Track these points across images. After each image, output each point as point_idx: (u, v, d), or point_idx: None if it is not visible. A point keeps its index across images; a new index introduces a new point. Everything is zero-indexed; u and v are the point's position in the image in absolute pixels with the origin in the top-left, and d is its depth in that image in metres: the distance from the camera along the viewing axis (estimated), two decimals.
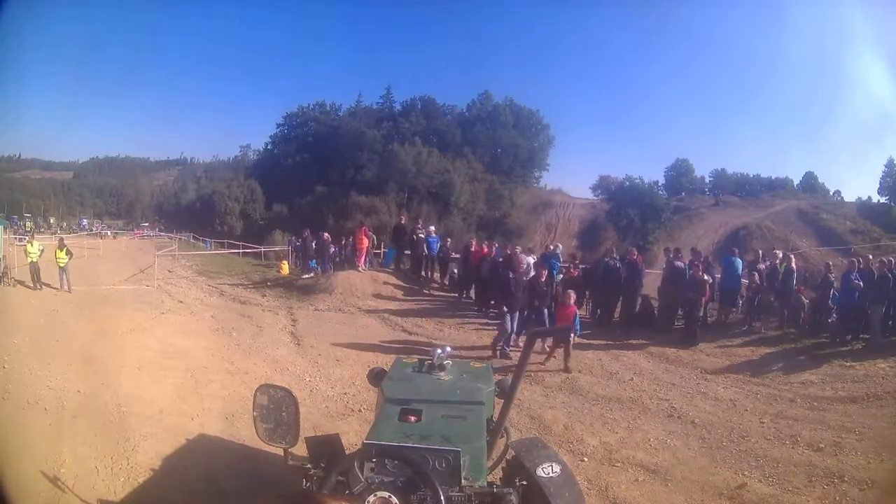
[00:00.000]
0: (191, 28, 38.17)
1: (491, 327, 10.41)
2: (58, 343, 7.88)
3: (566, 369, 7.87)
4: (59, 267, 11.97)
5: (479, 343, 9.39)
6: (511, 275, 8.56)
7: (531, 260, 10.02)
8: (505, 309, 8.43)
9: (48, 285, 11.92)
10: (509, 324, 8.40)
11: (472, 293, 12.29)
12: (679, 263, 10.28)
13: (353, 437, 4.47)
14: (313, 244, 15.60)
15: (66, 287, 11.93)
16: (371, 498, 1.69)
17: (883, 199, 27.73)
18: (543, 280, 8.83)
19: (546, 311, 8.75)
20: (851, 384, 7.42)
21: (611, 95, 39.43)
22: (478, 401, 2.71)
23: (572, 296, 8.30)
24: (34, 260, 11.77)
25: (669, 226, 29.41)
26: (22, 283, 11.83)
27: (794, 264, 10.16)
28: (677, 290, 10.11)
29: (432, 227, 14.42)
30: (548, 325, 8.55)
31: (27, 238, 14.95)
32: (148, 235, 28.89)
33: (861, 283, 8.99)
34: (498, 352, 8.33)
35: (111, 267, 15.13)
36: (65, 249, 12.09)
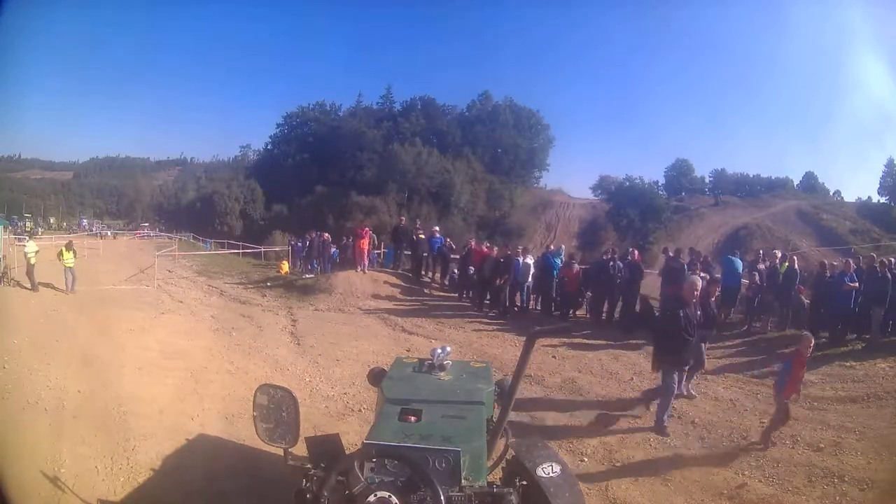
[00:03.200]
0: (191, 28, 38.30)
1: (491, 327, 10.45)
2: (58, 343, 7.87)
3: (764, 441, 5.55)
4: (67, 267, 11.94)
5: (477, 342, 9.37)
6: (682, 312, 5.67)
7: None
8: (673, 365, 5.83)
9: (51, 286, 11.90)
10: (675, 382, 5.91)
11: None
12: (676, 264, 10.28)
13: (353, 437, 4.47)
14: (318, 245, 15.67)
15: (70, 287, 11.90)
16: (371, 498, 1.69)
17: (883, 199, 27.79)
18: (714, 301, 6.86)
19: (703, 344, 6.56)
20: (851, 384, 7.41)
21: (611, 95, 39.63)
22: (478, 401, 2.71)
23: (811, 342, 5.64)
24: (32, 262, 11.74)
25: (669, 226, 29.42)
26: (20, 284, 11.79)
27: (797, 266, 10.15)
28: (676, 291, 10.10)
29: (436, 228, 14.48)
30: (704, 363, 6.72)
31: (25, 238, 14.91)
32: (148, 235, 28.92)
33: (857, 285, 9.00)
34: (659, 424, 5.88)
35: (111, 267, 15.14)
36: (72, 251, 12.12)
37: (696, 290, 5.91)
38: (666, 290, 10.41)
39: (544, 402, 6.72)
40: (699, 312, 6.00)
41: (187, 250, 21.77)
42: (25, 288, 11.57)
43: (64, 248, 12.12)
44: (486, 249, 12.26)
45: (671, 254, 11.23)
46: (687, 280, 6.29)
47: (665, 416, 5.87)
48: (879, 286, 8.84)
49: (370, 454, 1.87)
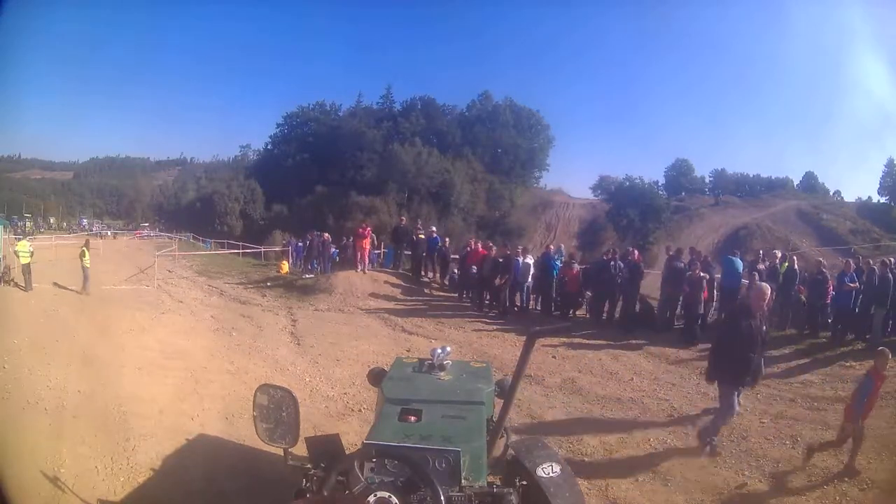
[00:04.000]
0: (191, 28, 38.24)
1: (491, 327, 10.44)
2: (58, 343, 7.86)
3: (850, 468, 4.98)
4: (85, 268, 11.99)
5: (477, 342, 9.37)
6: (748, 324, 5.14)
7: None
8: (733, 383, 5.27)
9: (57, 285, 11.88)
10: (736, 400, 5.35)
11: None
12: (679, 264, 10.29)
13: (353, 437, 4.47)
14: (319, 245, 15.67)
15: (84, 288, 11.88)
16: (371, 498, 1.69)
17: (883, 199, 27.89)
18: (768, 309, 6.30)
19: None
20: (851, 384, 7.34)
21: (611, 95, 39.67)
22: (478, 401, 2.71)
23: (888, 357, 5.34)
24: (23, 261, 11.70)
25: (669, 226, 29.45)
26: (19, 284, 11.76)
27: (796, 266, 10.16)
28: (676, 291, 10.13)
29: (433, 228, 14.48)
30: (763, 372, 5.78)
31: (21, 238, 14.83)
32: (148, 235, 28.91)
33: (858, 285, 9.00)
34: (707, 446, 5.39)
35: (111, 267, 15.11)
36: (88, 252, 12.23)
37: (765, 300, 5.37)
38: (666, 289, 10.43)
39: (544, 402, 6.71)
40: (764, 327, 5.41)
41: (187, 250, 21.76)
42: (20, 288, 11.52)
43: (84, 248, 12.25)
44: (482, 249, 12.24)
45: (673, 254, 11.23)
46: (755, 289, 5.59)
47: (712, 438, 5.36)
48: (880, 286, 8.84)
49: (370, 454, 1.87)
